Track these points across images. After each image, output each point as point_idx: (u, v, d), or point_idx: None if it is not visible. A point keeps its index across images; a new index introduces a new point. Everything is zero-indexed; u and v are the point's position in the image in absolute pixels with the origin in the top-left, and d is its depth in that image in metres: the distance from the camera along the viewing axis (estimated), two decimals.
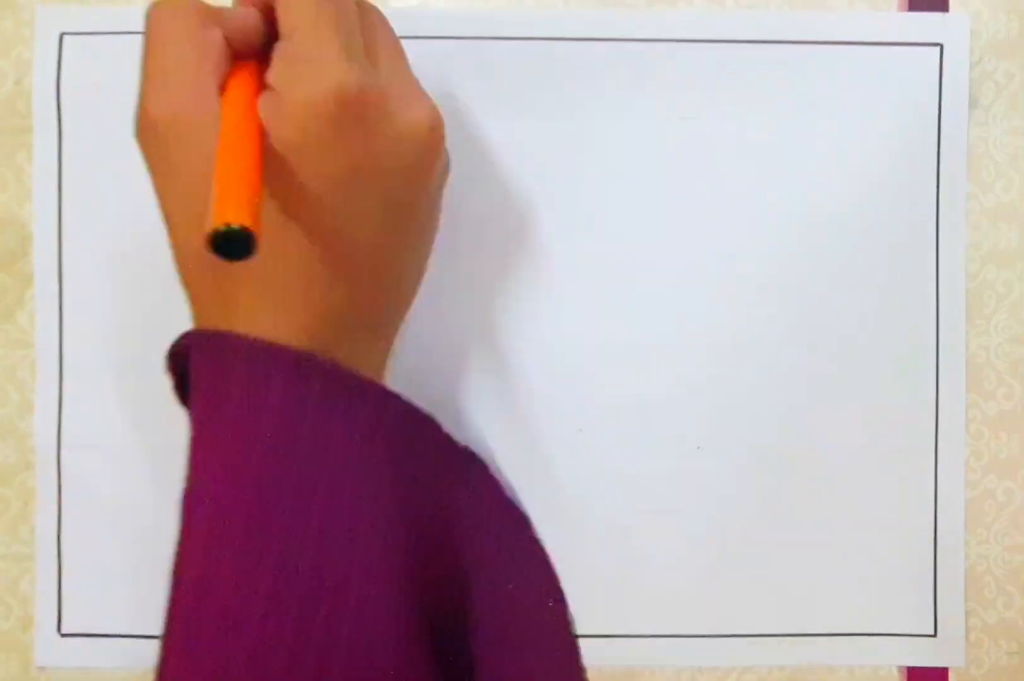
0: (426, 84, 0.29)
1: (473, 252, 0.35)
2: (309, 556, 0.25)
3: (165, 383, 0.36)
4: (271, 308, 0.27)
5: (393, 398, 0.29)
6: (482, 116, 0.33)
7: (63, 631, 0.36)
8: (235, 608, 0.25)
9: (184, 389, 0.28)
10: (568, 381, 0.36)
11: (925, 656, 0.36)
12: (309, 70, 0.25)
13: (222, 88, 0.26)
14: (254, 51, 0.27)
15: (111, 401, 0.36)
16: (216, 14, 0.27)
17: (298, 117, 0.25)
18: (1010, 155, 0.36)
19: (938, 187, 0.36)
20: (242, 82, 0.26)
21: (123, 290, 0.36)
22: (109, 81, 0.35)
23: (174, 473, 0.36)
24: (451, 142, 0.30)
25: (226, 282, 0.27)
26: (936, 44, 0.36)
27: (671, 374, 0.36)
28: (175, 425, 0.36)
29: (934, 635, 0.36)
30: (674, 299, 0.36)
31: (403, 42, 0.31)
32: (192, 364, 0.27)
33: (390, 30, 0.29)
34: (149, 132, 0.26)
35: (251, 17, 0.27)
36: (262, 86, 0.26)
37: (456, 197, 0.33)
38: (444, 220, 0.32)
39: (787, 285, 0.36)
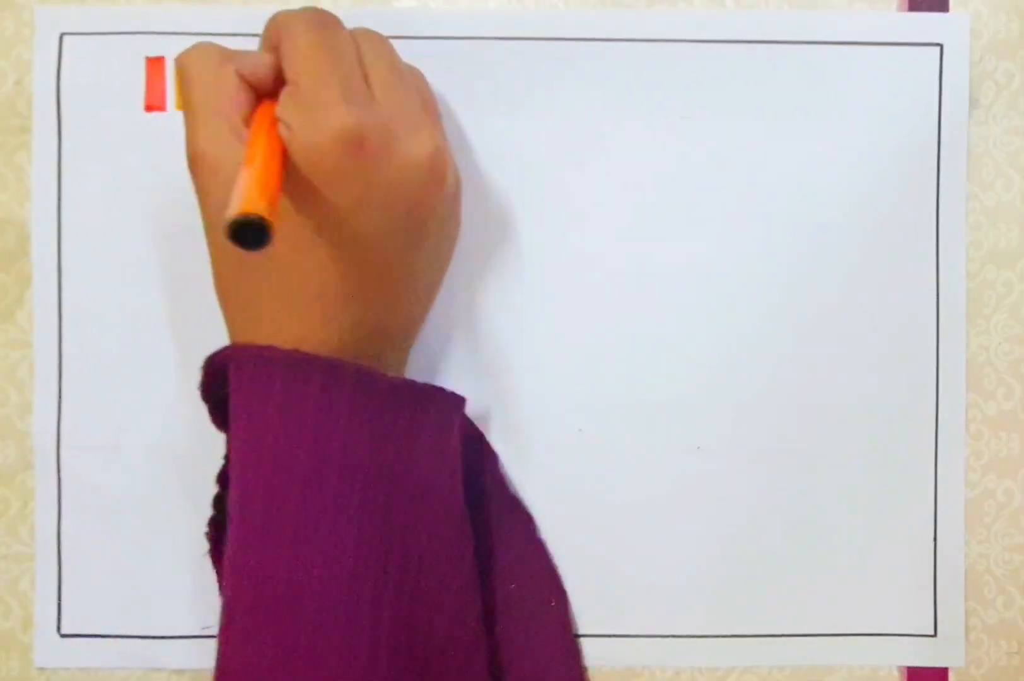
0: None
1: (472, 252, 0.35)
2: (352, 541, 0.29)
3: (165, 383, 0.36)
4: (296, 323, 0.29)
5: (420, 396, 0.31)
6: (482, 116, 0.33)
7: (63, 631, 0.36)
8: (291, 596, 0.28)
9: (213, 402, 0.31)
10: (568, 381, 0.36)
11: (925, 656, 0.36)
12: (312, 116, 0.27)
13: (246, 120, 0.29)
14: (270, 88, 0.29)
15: (111, 401, 0.36)
16: (231, 55, 0.29)
17: (307, 155, 0.27)
18: (1010, 155, 0.36)
19: (938, 187, 0.36)
20: (269, 109, 0.29)
21: (123, 290, 0.36)
22: (109, 81, 0.35)
23: (174, 473, 0.36)
24: (451, 142, 0.29)
25: (253, 300, 0.30)
26: (936, 44, 0.36)
27: (671, 374, 0.36)
28: (175, 425, 0.36)
29: (934, 635, 0.36)
30: (674, 299, 0.36)
31: (403, 42, 0.31)
32: (232, 374, 0.30)
33: (391, 57, 0.30)
34: (194, 168, 0.29)
35: (262, 58, 0.29)
36: None
37: None
38: None
39: (787, 285, 0.36)
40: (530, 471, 0.35)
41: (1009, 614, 0.36)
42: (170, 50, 0.35)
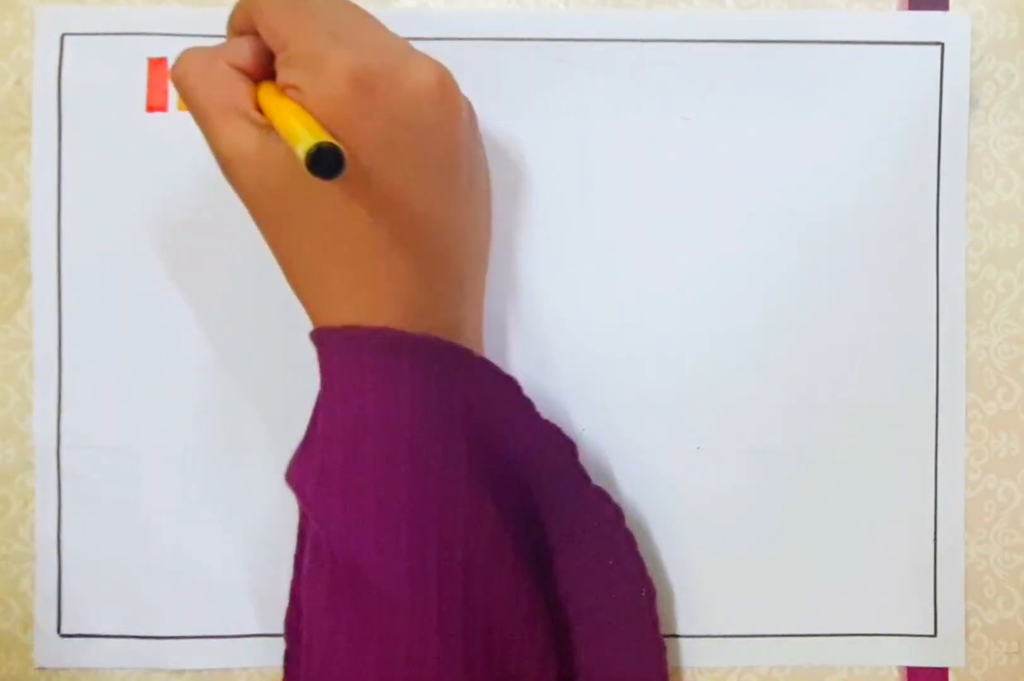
0: None
1: None
2: (435, 507, 0.30)
3: (165, 383, 0.36)
4: (366, 297, 0.30)
5: (497, 371, 0.32)
6: (482, 116, 0.33)
7: (63, 631, 0.36)
8: (375, 552, 0.29)
9: None
10: (569, 381, 0.36)
11: (925, 656, 0.36)
12: (314, 70, 0.27)
13: (256, 107, 0.29)
14: (263, 70, 0.30)
15: (111, 401, 0.36)
16: (216, 51, 0.29)
17: (325, 109, 0.27)
18: (1010, 154, 0.36)
19: (938, 187, 0.36)
20: (270, 87, 0.29)
21: (123, 290, 0.36)
22: (109, 81, 0.35)
23: (174, 473, 0.36)
24: None
25: (323, 283, 0.30)
26: (937, 43, 0.36)
27: (671, 374, 0.36)
28: (175, 425, 0.36)
29: (934, 635, 0.36)
30: (674, 299, 0.36)
31: None
32: (323, 357, 0.31)
33: (359, 9, 0.30)
34: (225, 169, 0.29)
35: (243, 43, 0.29)
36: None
37: None
38: None
39: (786, 285, 0.36)
40: None
41: (1009, 614, 0.36)
42: (172, 51, 0.35)
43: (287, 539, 0.33)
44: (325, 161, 0.25)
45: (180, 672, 0.36)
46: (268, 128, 0.28)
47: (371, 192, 0.28)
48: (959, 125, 0.36)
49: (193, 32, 0.35)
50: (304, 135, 0.25)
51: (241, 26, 0.30)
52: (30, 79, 0.35)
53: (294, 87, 0.28)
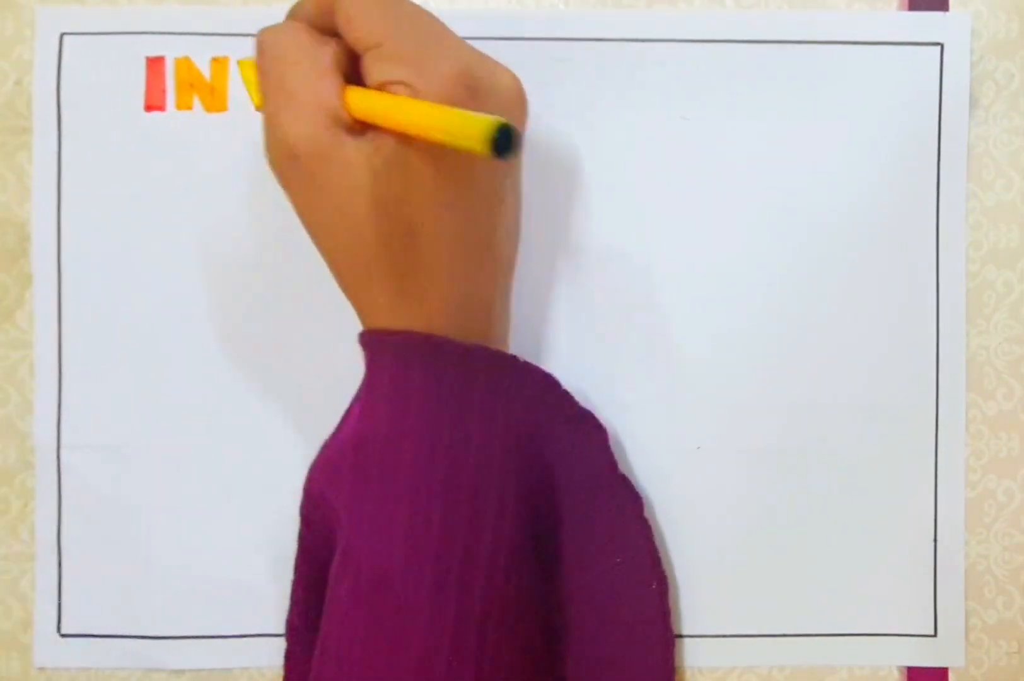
0: None
1: None
2: (464, 520, 0.29)
3: (165, 383, 0.36)
4: (414, 305, 0.30)
5: (534, 369, 0.32)
6: None
7: (63, 631, 0.36)
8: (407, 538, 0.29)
9: None
10: (569, 381, 0.36)
11: (925, 656, 0.36)
12: (419, 65, 0.27)
13: (347, 109, 0.28)
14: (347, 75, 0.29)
15: (111, 401, 0.36)
16: (324, 39, 0.28)
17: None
18: (1010, 154, 0.36)
19: (938, 187, 0.36)
20: (359, 93, 0.28)
21: (123, 290, 0.36)
22: (109, 81, 0.35)
23: (174, 473, 0.36)
24: None
25: (372, 286, 0.30)
26: (936, 44, 0.36)
27: (671, 374, 0.36)
28: (175, 425, 0.36)
29: (934, 635, 0.36)
30: (673, 298, 0.36)
31: None
32: (369, 358, 0.31)
33: (436, 18, 0.30)
34: (287, 159, 0.28)
35: (333, 46, 0.28)
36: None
37: None
38: None
39: (787, 285, 0.36)
40: None
41: (1009, 614, 0.36)
42: (171, 50, 0.35)
43: (287, 539, 0.33)
44: (504, 140, 0.25)
45: (180, 672, 0.36)
46: (354, 129, 0.27)
47: (434, 203, 0.28)
48: (959, 125, 0.36)
49: (193, 31, 0.35)
50: (472, 120, 0.25)
51: (314, 17, 0.29)
52: (30, 79, 0.35)
53: (401, 83, 0.27)
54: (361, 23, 0.28)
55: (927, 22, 0.36)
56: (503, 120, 0.25)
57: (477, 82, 0.28)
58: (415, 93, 0.27)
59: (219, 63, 0.35)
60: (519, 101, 0.30)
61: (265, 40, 0.28)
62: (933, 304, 0.36)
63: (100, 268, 0.36)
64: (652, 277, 0.36)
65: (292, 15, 0.30)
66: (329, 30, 0.29)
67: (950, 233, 0.36)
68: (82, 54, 0.35)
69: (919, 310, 0.36)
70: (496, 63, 0.30)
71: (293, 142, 0.27)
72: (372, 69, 0.28)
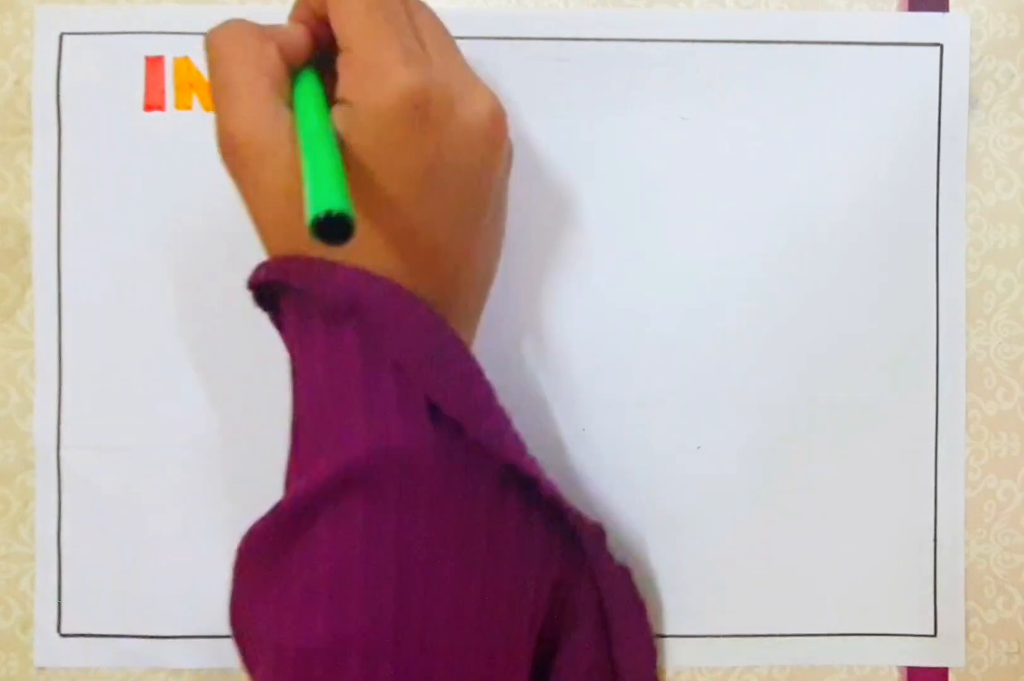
0: None
1: None
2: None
3: (165, 383, 0.36)
4: None
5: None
6: None
7: (63, 631, 0.36)
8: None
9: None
10: (570, 381, 0.36)
11: (925, 656, 0.36)
12: (375, 78, 0.26)
13: (289, 102, 0.28)
14: (305, 62, 0.29)
15: (111, 401, 0.36)
16: (269, 32, 0.28)
17: (373, 124, 0.26)
18: (1010, 155, 0.36)
19: (938, 187, 0.36)
20: (309, 92, 0.28)
21: (123, 289, 0.36)
22: (109, 81, 0.35)
23: (174, 473, 0.36)
24: None
25: None
26: (936, 44, 0.36)
27: (671, 374, 0.36)
28: (175, 425, 0.36)
29: (934, 635, 0.36)
30: (674, 298, 0.36)
31: None
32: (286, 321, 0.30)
33: (440, 25, 0.30)
34: (231, 151, 0.28)
35: (298, 32, 0.29)
36: (328, 94, 0.28)
37: None
38: None
39: (786, 285, 0.36)
40: None
41: (1009, 614, 0.36)
42: (170, 50, 0.35)
43: None
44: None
45: (180, 672, 0.36)
46: (285, 124, 0.27)
47: (393, 216, 0.27)
48: (959, 125, 0.36)
49: (192, 31, 0.35)
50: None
51: (305, 12, 0.29)
52: (30, 79, 0.35)
53: (344, 101, 0.27)
54: (338, 23, 0.27)
55: (927, 22, 0.36)
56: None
57: (429, 104, 0.26)
58: (354, 111, 0.26)
59: None
60: (485, 131, 0.28)
61: (212, 40, 0.28)
62: (933, 304, 0.36)
63: (100, 268, 0.36)
64: (651, 277, 0.36)
65: (293, 13, 0.30)
66: (315, 23, 0.29)
67: (950, 233, 0.36)
68: (82, 54, 0.35)
69: (919, 310, 0.36)
70: (476, 88, 0.28)
71: (231, 135, 0.27)
72: (340, 76, 0.27)
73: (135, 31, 0.35)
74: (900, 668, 0.36)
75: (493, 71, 0.35)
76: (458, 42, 0.34)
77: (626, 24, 0.35)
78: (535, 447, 0.36)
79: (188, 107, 0.36)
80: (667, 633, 0.36)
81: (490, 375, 0.34)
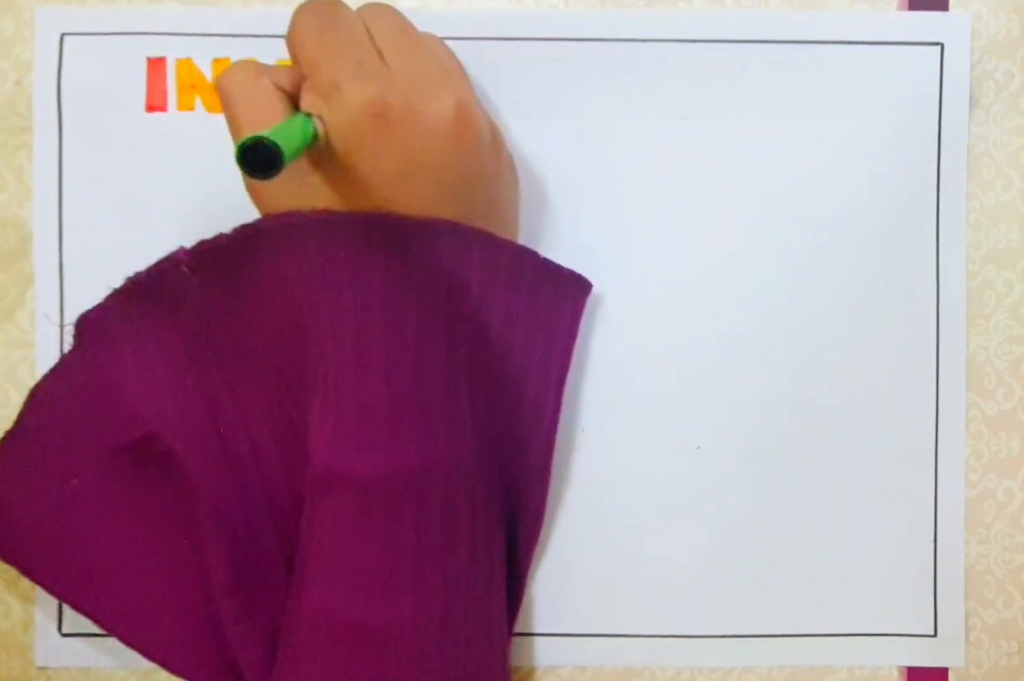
0: None
1: None
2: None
3: None
4: None
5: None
6: None
7: (63, 631, 0.36)
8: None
9: None
10: (569, 381, 0.36)
11: (925, 656, 0.36)
12: (332, 99, 0.28)
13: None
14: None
15: None
16: (266, 69, 0.30)
17: (340, 138, 0.28)
18: (1010, 155, 0.36)
19: (938, 187, 0.36)
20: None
21: None
22: (109, 81, 0.35)
23: None
24: None
25: None
26: (936, 44, 0.36)
27: (672, 374, 0.36)
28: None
29: (934, 635, 0.36)
30: (673, 299, 0.36)
31: None
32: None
33: (401, 24, 0.31)
34: (249, 188, 0.31)
35: (288, 68, 0.30)
36: None
37: None
38: None
39: (786, 285, 0.36)
40: None
41: (1009, 614, 0.36)
42: (171, 51, 0.35)
43: None
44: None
45: None
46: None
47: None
48: (959, 125, 0.36)
49: (192, 31, 0.35)
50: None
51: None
52: (30, 79, 0.35)
53: (318, 117, 0.28)
54: (296, 53, 0.30)
55: (927, 22, 0.36)
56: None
57: (388, 112, 0.28)
58: (325, 125, 0.28)
59: (220, 64, 0.36)
60: (451, 130, 0.29)
61: (221, 83, 0.30)
62: (933, 304, 0.36)
63: (101, 268, 0.35)
64: (651, 277, 0.36)
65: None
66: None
67: (950, 233, 0.36)
68: (82, 54, 0.35)
69: (919, 310, 0.36)
70: (440, 87, 0.29)
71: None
72: (302, 99, 0.29)
73: (137, 32, 0.35)
74: (900, 668, 0.36)
75: (493, 71, 0.35)
76: (459, 43, 0.34)
77: (626, 24, 0.35)
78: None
79: (190, 108, 0.36)
80: (666, 633, 0.36)
81: None
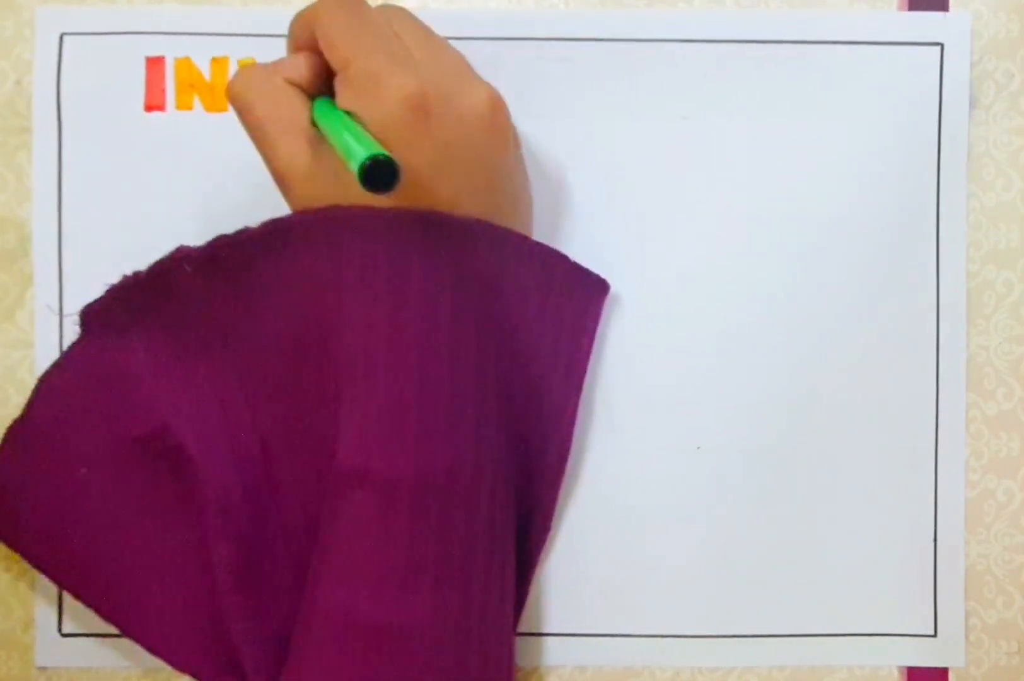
0: None
1: None
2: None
3: None
4: None
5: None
6: None
7: (63, 631, 0.36)
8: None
9: None
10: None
11: (925, 656, 0.36)
12: (371, 89, 0.28)
13: (312, 123, 0.30)
14: (321, 87, 0.30)
15: None
16: (272, 67, 0.30)
17: (379, 131, 0.28)
18: (1010, 155, 0.36)
19: (938, 187, 0.36)
20: (326, 105, 0.30)
21: None
22: (109, 81, 0.35)
23: None
24: None
25: None
26: (936, 44, 0.36)
27: (672, 374, 0.36)
28: None
29: (934, 635, 0.36)
30: (672, 299, 0.36)
31: None
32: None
33: (422, 27, 0.31)
34: (281, 185, 0.30)
35: (299, 59, 0.30)
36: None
37: None
38: None
39: (786, 285, 0.36)
40: None
41: (1009, 614, 0.36)
42: (170, 50, 0.35)
43: None
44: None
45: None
46: (323, 144, 0.28)
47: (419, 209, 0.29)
48: (959, 125, 0.36)
49: (192, 31, 0.35)
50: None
51: (300, 40, 0.30)
52: (30, 79, 0.35)
53: (353, 111, 0.28)
54: (329, 46, 0.29)
55: (927, 22, 0.36)
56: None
57: (428, 104, 0.28)
58: (363, 120, 0.28)
59: (219, 63, 0.36)
60: (485, 122, 0.30)
61: (232, 89, 0.30)
62: (933, 304, 0.36)
63: (101, 268, 0.35)
64: (651, 277, 0.36)
65: (288, 38, 0.31)
66: (314, 49, 0.30)
67: (950, 233, 0.36)
68: (82, 54, 0.35)
69: (919, 310, 0.36)
70: (470, 81, 0.30)
71: (274, 167, 0.30)
72: (337, 92, 0.29)
73: (135, 31, 0.35)
74: (900, 668, 0.36)
75: (493, 71, 0.35)
76: (459, 42, 0.34)
77: (626, 24, 0.35)
78: None
79: (189, 108, 0.36)
80: (666, 633, 0.36)
81: None
